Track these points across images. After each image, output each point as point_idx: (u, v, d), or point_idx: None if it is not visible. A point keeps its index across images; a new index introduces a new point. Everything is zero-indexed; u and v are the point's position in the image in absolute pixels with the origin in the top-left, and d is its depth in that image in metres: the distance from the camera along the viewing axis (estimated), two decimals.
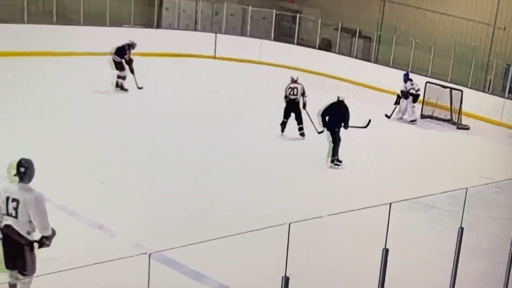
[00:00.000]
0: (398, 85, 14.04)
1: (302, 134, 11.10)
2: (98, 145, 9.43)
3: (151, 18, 17.89)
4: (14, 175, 4.66)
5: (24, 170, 4.64)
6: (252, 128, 11.61)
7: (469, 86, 15.46)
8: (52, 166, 7.89)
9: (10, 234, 4.64)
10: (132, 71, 12.72)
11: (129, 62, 12.72)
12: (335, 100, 9.89)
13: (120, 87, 12.75)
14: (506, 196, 7.85)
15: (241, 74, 16.58)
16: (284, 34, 19.19)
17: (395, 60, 17.02)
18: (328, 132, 9.85)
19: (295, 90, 11.07)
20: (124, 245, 6.30)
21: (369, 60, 17.85)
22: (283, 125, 11.12)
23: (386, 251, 4.87)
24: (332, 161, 9.79)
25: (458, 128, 13.89)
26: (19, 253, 4.67)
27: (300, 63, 17.25)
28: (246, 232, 4.21)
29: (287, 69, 17.60)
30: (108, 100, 12.33)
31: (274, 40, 18.45)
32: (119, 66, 12.70)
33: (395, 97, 13.88)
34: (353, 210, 5.02)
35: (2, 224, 4.68)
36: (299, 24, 18.71)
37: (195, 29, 18.57)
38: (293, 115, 11.10)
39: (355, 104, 13.88)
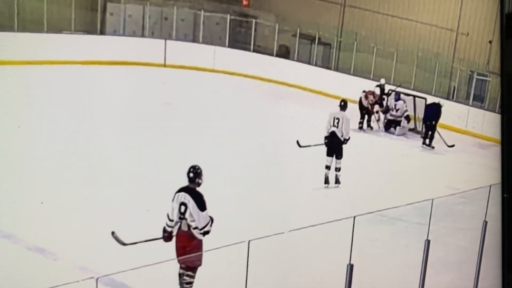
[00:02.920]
0: (359, 94, 14.38)
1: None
2: (36, 161, 9.23)
3: (94, 24, 17.71)
4: (339, 105, 10.02)
5: (344, 104, 10.01)
6: (207, 141, 11.61)
7: (433, 94, 15.99)
8: None
9: (334, 137, 9.82)
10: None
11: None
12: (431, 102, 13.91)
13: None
14: (473, 206, 8.13)
15: (194, 83, 16.59)
16: (239, 41, 19.36)
17: (356, 68, 17.42)
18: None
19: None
20: (69, 269, 6.18)
21: (329, 68, 18.22)
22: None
23: (351, 267, 4.96)
24: (429, 145, 13.45)
25: (422, 137, 14.30)
26: (337, 146, 9.82)
27: (256, 71, 17.44)
28: (203, 252, 4.22)
29: (243, 77, 17.76)
30: (43, 111, 12.08)
31: (228, 47, 18.58)
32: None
33: (356, 106, 14.23)
34: (316, 225, 5.10)
35: (330, 131, 9.81)
36: (255, 30, 18.92)
37: (143, 35, 18.49)
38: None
39: (318, 114, 14.23)
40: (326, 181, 9.84)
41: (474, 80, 16.33)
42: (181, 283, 5.71)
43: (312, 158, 10.13)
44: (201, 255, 5.56)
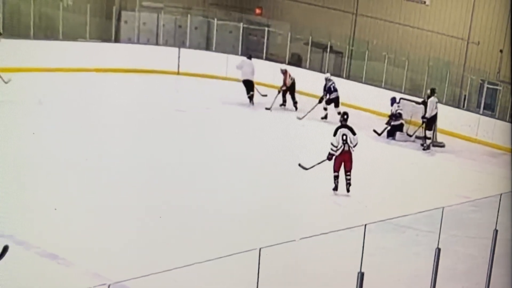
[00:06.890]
0: (371, 102, 14.37)
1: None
2: (50, 168, 9.29)
3: (108, 32, 17.83)
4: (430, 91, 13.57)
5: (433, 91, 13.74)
6: (220, 148, 11.63)
7: (443, 103, 15.89)
8: None
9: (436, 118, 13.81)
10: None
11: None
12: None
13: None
14: (483, 215, 8.06)
15: (206, 90, 16.63)
16: (251, 49, 19.37)
17: (367, 76, 17.38)
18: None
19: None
20: (81, 276, 6.20)
21: (340, 76, 18.15)
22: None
23: (361, 275, 4.94)
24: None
25: (433, 145, 14.22)
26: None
27: (269, 79, 17.44)
28: (214, 259, 4.22)
29: (256, 85, 17.76)
30: (57, 118, 12.17)
31: (241, 55, 18.56)
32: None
33: (368, 114, 14.26)
34: (327, 233, 5.09)
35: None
36: (268, 38, 18.94)
37: (157, 43, 18.59)
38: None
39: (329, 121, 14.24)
40: None
41: (485, 89, 16.23)
42: (336, 182, 9.82)
43: (323, 165, 10.11)
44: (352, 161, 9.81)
